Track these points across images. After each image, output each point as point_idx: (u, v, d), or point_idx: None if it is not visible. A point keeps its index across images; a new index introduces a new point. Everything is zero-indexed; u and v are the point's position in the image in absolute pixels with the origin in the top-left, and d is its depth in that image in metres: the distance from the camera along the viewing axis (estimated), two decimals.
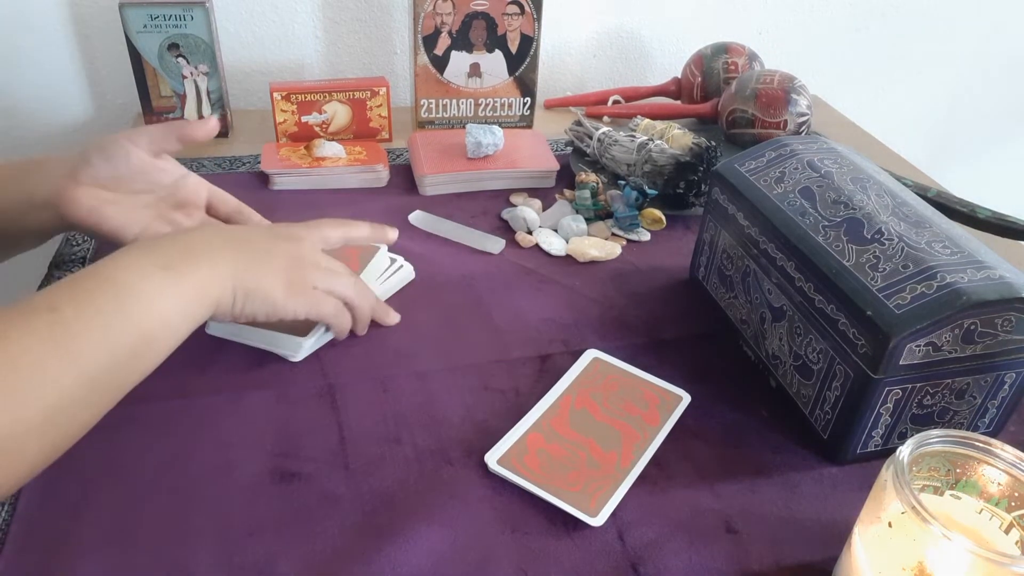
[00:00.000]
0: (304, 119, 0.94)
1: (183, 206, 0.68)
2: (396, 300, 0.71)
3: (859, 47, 1.32)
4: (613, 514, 0.52)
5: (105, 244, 0.66)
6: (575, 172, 0.90)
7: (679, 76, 1.12)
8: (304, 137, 0.94)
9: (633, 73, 1.24)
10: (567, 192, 0.89)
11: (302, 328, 0.63)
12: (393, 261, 0.72)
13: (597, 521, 0.51)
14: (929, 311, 0.50)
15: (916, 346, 0.51)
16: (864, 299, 0.52)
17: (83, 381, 0.43)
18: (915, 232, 0.56)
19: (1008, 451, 0.44)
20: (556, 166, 0.91)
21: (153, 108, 0.95)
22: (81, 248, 0.76)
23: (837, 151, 0.67)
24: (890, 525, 0.42)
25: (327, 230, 0.62)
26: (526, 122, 1.05)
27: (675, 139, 0.89)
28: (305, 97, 0.93)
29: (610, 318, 0.70)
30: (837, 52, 1.32)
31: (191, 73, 0.93)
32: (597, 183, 0.86)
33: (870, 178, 0.63)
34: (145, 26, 0.89)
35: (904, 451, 0.43)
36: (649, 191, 0.84)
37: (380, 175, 0.90)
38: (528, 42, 0.99)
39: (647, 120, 0.96)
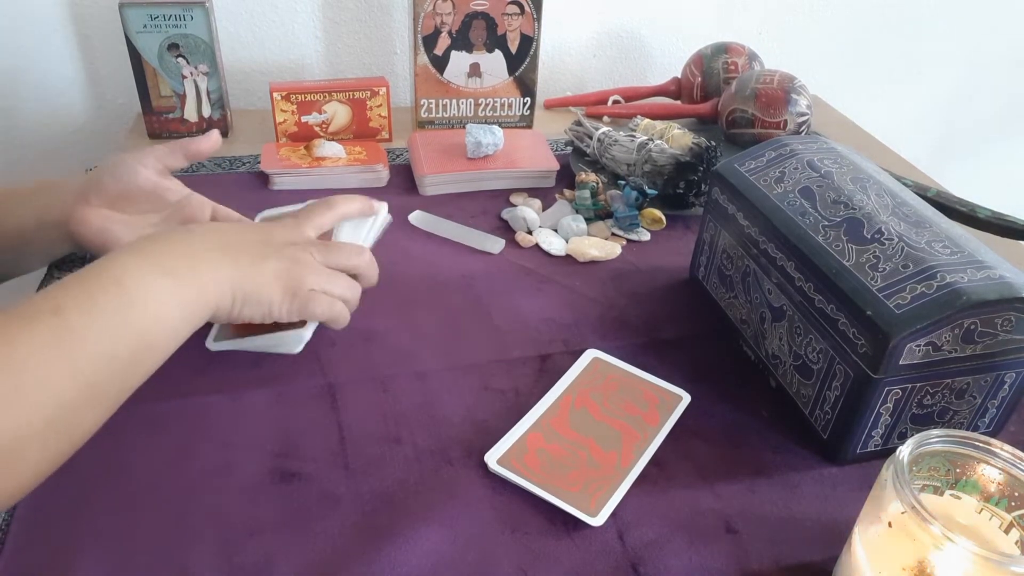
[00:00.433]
0: (304, 119, 0.94)
1: (187, 223, 0.68)
2: (395, 301, 0.71)
3: (859, 47, 1.32)
4: (613, 514, 0.52)
5: None
6: (575, 172, 0.90)
7: (679, 76, 1.12)
8: (304, 137, 0.94)
9: (633, 73, 1.24)
10: (567, 192, 0.89)
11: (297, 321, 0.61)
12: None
13: (597, 521, 0.51)
14: (929, 311, 0.50)
15: (916, 346, 0.51)
16: (864, 299, 0.52)
17: (85, 386, 0.43)
18: (915, 232, 0.56)
19: (1008, 451, 0.44)
20: (556, 166, 0.91)
21: (153, 108, 0.95)
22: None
23: (837, 151, 0.67)
24: (890, 525, 0.42)
25: (318, 218, 0.62)
26: (526, 122, 1.05)
27: (675, 139, 0.89)
28: (305, 97, 0.93)
29: (610, 318, 0.70)
30: (837, 52, 1.32)
31: (191, 73, 0.93)
32: (597, 183, 0.86)
33: (870, 178, 0.63)
34: (145, 26, 0.89)
35: (904, 451, 0.43)
36: (649, 191, 0.84)
37: (380, 175, 0.90)
38: (528, 42, 0.99)
39: (647, 120, 0.96)
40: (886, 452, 0.55)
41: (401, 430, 0.57)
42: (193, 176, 0.89)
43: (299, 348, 0.62)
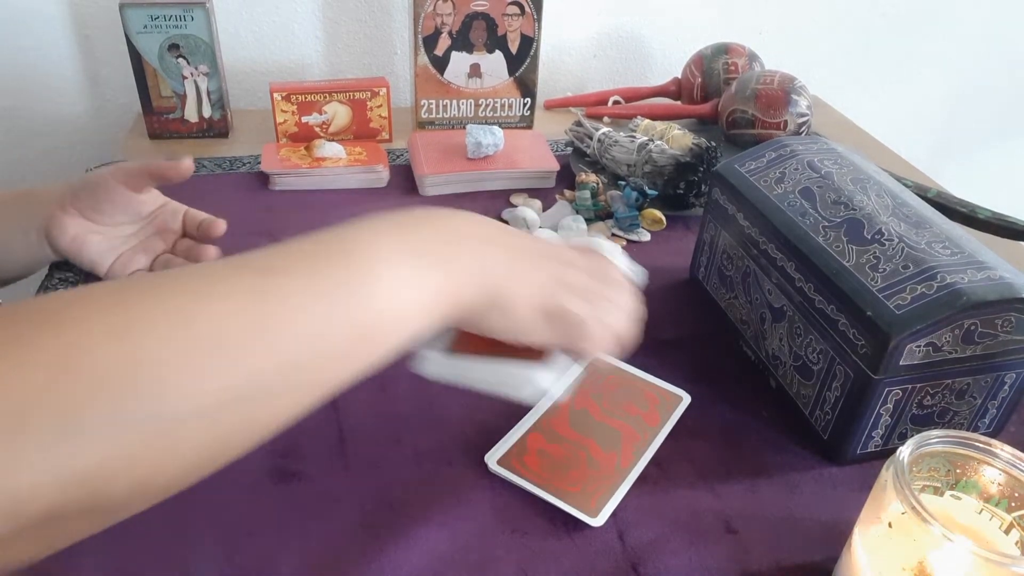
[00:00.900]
0: (304, 119, 0.94)
1: (161, 232, 0.71)
2: None
3: (859, 47, 1.32)
4: (613, 514, 0.52)
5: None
6: (575, 172, 0.90)
7: (679, 76, 1.12)
8: (304, 137, 0.94)
9: (633, 73, 1.24)
10: (567, 192, 0.89)
11: (530, 354, 0.48)
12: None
13: (597, 521, 0.51)
14: (929, 311, 0.50)
15: (916, 346, 0.51)
16: (864, 299, 0.52)
17: (281, 366, 0.35)
18: (915, 232, 0.56)
19: (1008, 451, 0.44)
20: (556, 166, 0.91)
21: (154, 108, 0.95)
22: None
23: (837, 151, 0.67)
24: (890, 525, 0.42)
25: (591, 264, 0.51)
26: (526, 122, 1.05)
27: (675, 140, 0.89)
28: (305, 97, 0.93)
29: None
30: (837, 52, 1.32)
31: (191, 73, 0.93)
32: (597, 183, 0.86)
33: (870, 178, 0.63)
34: (145, 26, 0.89)
35: (904, 451, 0.43)
36: (649, 191, 0.84)
37: (380, 175, 0.90)
38: (528, 43, 0.99)
39: (647, 120, 0.96)
40: (886, 452, 0.55)
41: (401, 430, 0.57)
42: (194, 177, 0.88)
43: (536, 396, 0.48)
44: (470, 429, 0.58)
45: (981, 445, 0.45)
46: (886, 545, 0.42)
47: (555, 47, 1.17)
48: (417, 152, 0.91)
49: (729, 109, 0.98)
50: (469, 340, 0.47)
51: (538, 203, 0.87)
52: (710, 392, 0.63)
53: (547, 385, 0.47)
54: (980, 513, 0.46)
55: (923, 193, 0.86)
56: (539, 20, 0.98)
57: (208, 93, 0.95)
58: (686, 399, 0.61)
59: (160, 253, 0.70)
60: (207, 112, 0.96)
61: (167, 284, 0.34)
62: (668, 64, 1.24)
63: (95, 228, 0.67)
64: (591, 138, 0.92)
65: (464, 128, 0.92)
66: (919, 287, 0.51)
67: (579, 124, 0.96)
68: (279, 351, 0.34)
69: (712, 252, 0.71)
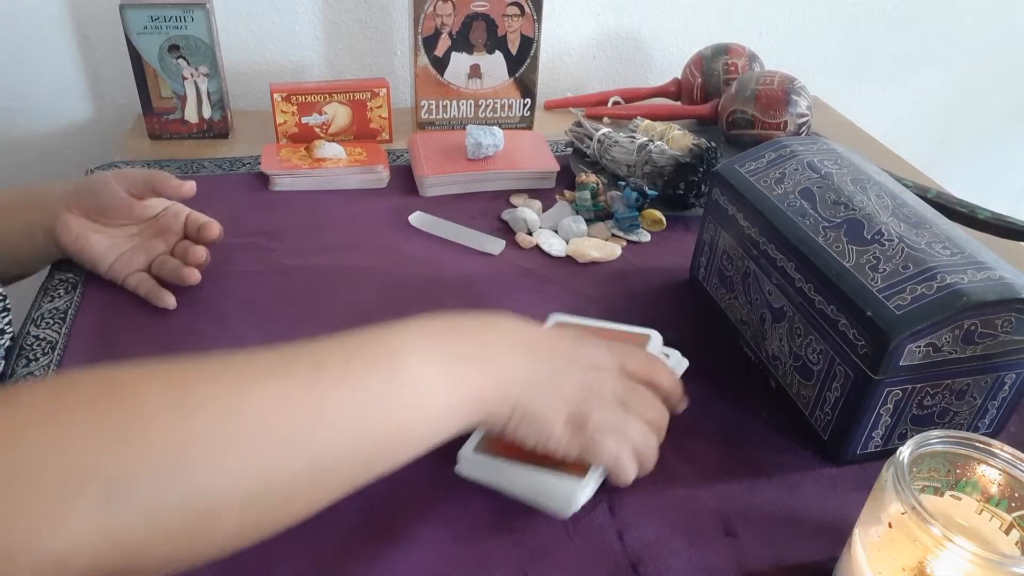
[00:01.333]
0: (304, 120, 0.94)
1: (163, 233, 0.71)
2: (395, 302, 0.71)
3: (859, 47, 1.32)
4: (613, 514, 0.52)
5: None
6: (575, 173, 0.90)
7: (679, 77, 1.12)
8: (304, 138, 0.95)
9: (633, 74, 1.24)
10: (567, 193, 0.89)
11: (568, 465, 0.49)
12: (667, 356, 0.59)
13: (586, 486, 0.48)
14: (929, 312, 0.50)
15: (916, 347, 0.51)
16: (864, 300, 0.52)
17: (313, 463, 0.36)
18: (915, 233, 0.56)
19: (1008, 451, 0.44)
20: (556, 167, 0.91)
21: (154, 109, 0.95)
22: None
23: (837, 152, 0.67)
24: (890, 526, 0.42)
25: (633, 360, 0.52)
26: (526, 123, 1.05)
27: (675, 140, 0.89)
28: (305, 98, 0.93)
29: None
30: (837, 52, 1.32)
31: (191, 74, 0.93)
32: (597, 184, 0.86)
33: (870, 179, 0.63)
34: (145, 27, 0.89)
35: (904, 452, 0.43)
36: (649, 192, 0.84)
37: (380, 176, 0.90)
38: (528, 43, 0.99)
39: (647, 121, 0.96)
40: (886, 453, 0.55)
41: None
42: (194, 177, 0.88)
43: (568, 511, 0.49)
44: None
45: (981, 445, 0.45)
46: (886, 545, 0.42)
47: (555, 47, 1.17)
48: (417, 153, 0.91)
49: (729, 110, 0.98)
50: (505, 442, 0.48)
51: (538, 203, 0.87)
52: (710, 392, 0.63)
53: (582, 500, 0.48)
54: (980, 513, 0.46)
55: (923, 193, 0.86)
56: (539, 21, 0.98)
57: (208, 94, 0.95)
58: (655, 337, 0.59)
59: (159, 254, 0.70)
60: (207, 113, 0.96)
61: (223, 368, 0.36)
62: (668, 64, 1.24)
63: (97, 228, 0.68)
64: (591, 138, 0.92)
65: (464, 129, 0.92)
66: (919, 287, 0.51)
67: (579, 124, 0.96)
68: (318, 442, 0.37)
69: (712, 252, 0.71)
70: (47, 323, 0.65)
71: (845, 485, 0.56)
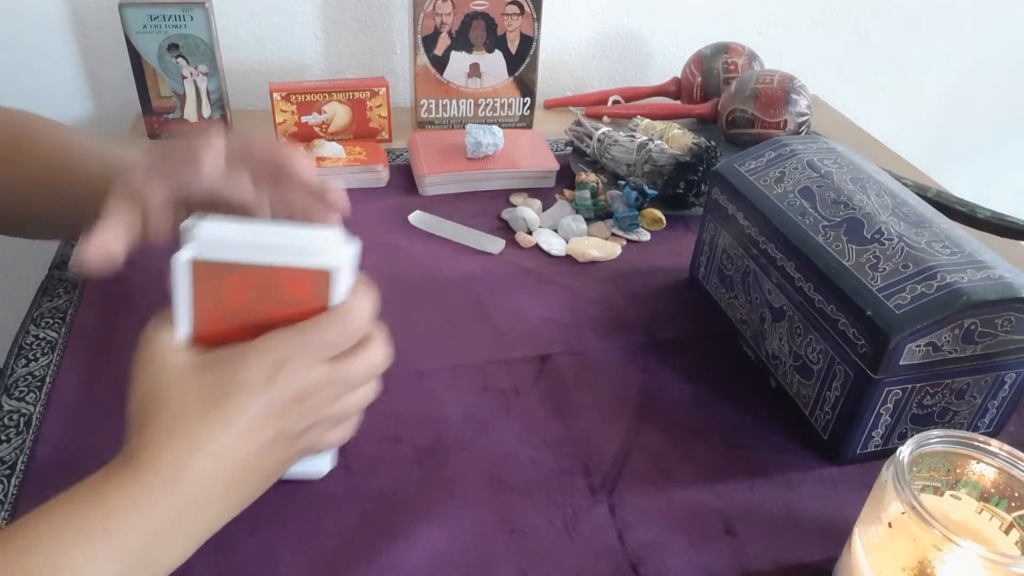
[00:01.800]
0: (304, 119, 0.94)
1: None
2: (395, 301, 0.71)
3: (859, 47, 1.32)
4: (613, 514, 0.52)
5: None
6: (575, 172, 0.90)
7: (679, 76, 1.12)
8: (304, 137, 0.94)
9: (633, 73, 1.24)
10: (567, 192, 0.89)
11: None
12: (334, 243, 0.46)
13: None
14: (929, 311, 0.50)
15: (916, 346, 0.51)
16: (864, 299, 0.52)
17: None
18: (915, 232, 0.56)
19: (1008, 451, 0.44)
20: (556, 166, 0.91)
21: (153, 108, 0.95)
22: None
23: (837, 151, 0.67)
24: (890, 525, 0.42)
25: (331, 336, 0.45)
26: (526, 122, 1.05)
27: (675, 139, 0.89)
28: (305, 97, 0.93)
29: (610, 318, 0.70)
30: (837, 52, 1.32)
31: (191, 73, 0.93)
32: (597, 183, 0.86)
33: (870, 178, 0.63)
34: (145, 26, 0.89)
35: (904, 451, 0.43)
36: (649, 191, 0.84)
37: (380, 175, 0.90)
38: (528, 42, 0.99)
39: (647, 120, 0.96)
40: (886, 452, 0.55)
41: (401, 430, 0.57)
42: None
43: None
44: (470, 429, 0.58)
45: (981, 445, 0.45)
46: (886, 545, 0.42)
47: (555, 47, 1.17)
48: (417, 152, 0.91)
49: (729, 109, 0.98)
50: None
51: (538, 203, 0.87)
52: (710, 392, 0.63)
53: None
54: (980, 513, 0.46)
55: (923, 193, 0.86)
56: (539, 20, 0.98)
57: (208, 93, 0.95)
58: (335, 268, 0.44)
59: None
60: (207, 112, 0.96)
61: None
62: (668, 64, 1.24)
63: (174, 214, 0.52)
64: (591, 138, 0.92)
65: (464, 128, 0.92)
66: (919, 287, 0.51)
67: (579, 124, 0.96)
68: None
69: (712, 252, 0.71)
70: (47, 322, 0.65)
71: (845, 485, 0.56)
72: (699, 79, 1.07)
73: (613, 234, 0.83)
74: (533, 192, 0.90)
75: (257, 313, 0.44)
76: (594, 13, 1.17)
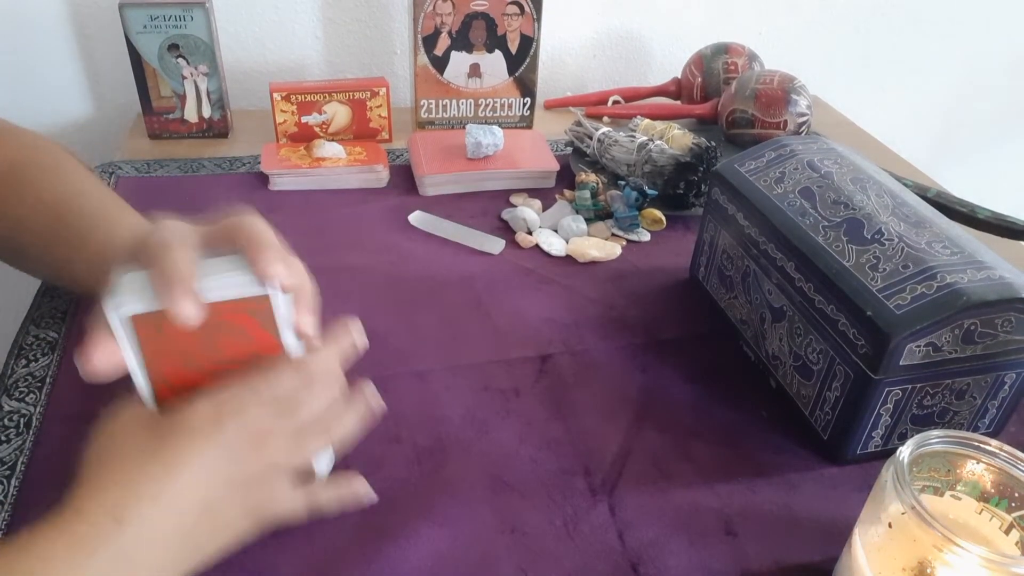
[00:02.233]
0: (304, 119, 0.94)
1: None
2: (395, 301, 0.71)
3: (859, 47, 1.32)
4: (613, 514, 0.52)
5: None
6: (575, 172, 0.90)
7: (679, 76, 1.12)
8: (304, 137, 0.94)
9: (633, 73, 1.24)
10: (567, 192, 0.89)
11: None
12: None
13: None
14: (929, 311, 0.50)
15: (916, 346, 0.51)
16: (864, 299, 0.52)
17: None
18: (915, 232, 0.56)
19: (1008, 451, 0.44)
20: (556, 166, 0.91)
21: (153, 108, 0.95)
22: None
23: (837, 151, 0.67)
24: (890, 526, 0.42)
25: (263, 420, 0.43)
26: (526, 122, 1.05)
27: (675, 139, 0.89)
28: (305, 97, 0.93)
29: (610, 318, 0.70)
30: (837, 52, 1.32)
31: (191, 73, 0.93)
32: (597, 183, 0.86)
33: (870, 178, 0.63)
34: (145, 26, 0.89)
35: (904, 452, 0.43)
36: (649, 191, 0.84)
37: (380, 175, 0.90)
38: (528, 42, 0.99)
39: (647, 120, 0.96)
40: (886, 453, 0.55)
41: (401, 430, 0.57)
42: (194, 176, 0.89)
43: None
44: (470, 429, 0.58)
45: (981, 445, 0.45)
46: (886, 545, 0.42)
47: (555, 47, 1.17)
48: (417, 152, 0.91)
49: (729, 109, 0.98)
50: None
51: (538, 203, 0.87)
52: (710, 392, 0.63)
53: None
54: (980, 513, 0.46)
55: (923, 193, 0.86)
56: (539, 20, 0.98)
57: (208, 93, 0.95)
58: (275, 295, 0.43)
59: None
60: (207, 112, 0.96)
61: None
62: (668, 64, 1.24)
63: None
64: (591, 138, 0.92)
65: (464, 128, 0.92)
66: (919, 287, 0.51)
67: (579, 124, 0.96)
68: None
69: (712, 252, 0.71)
70: (47, 323, 0.65)
71: (845, 485, 0.56)
72: (699, 79, 1.07)
73: (613, 234, 0.83)
74: (533, 192, 0.90)
75: (213, 351, 0.43)
76: (594, 13, 1.17)
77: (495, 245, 0.79)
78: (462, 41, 0.97)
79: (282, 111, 0.93)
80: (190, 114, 0.95)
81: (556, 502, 0.53)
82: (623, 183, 0.85)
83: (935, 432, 0.45)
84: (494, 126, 0.91)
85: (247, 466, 0.42)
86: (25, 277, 0.70)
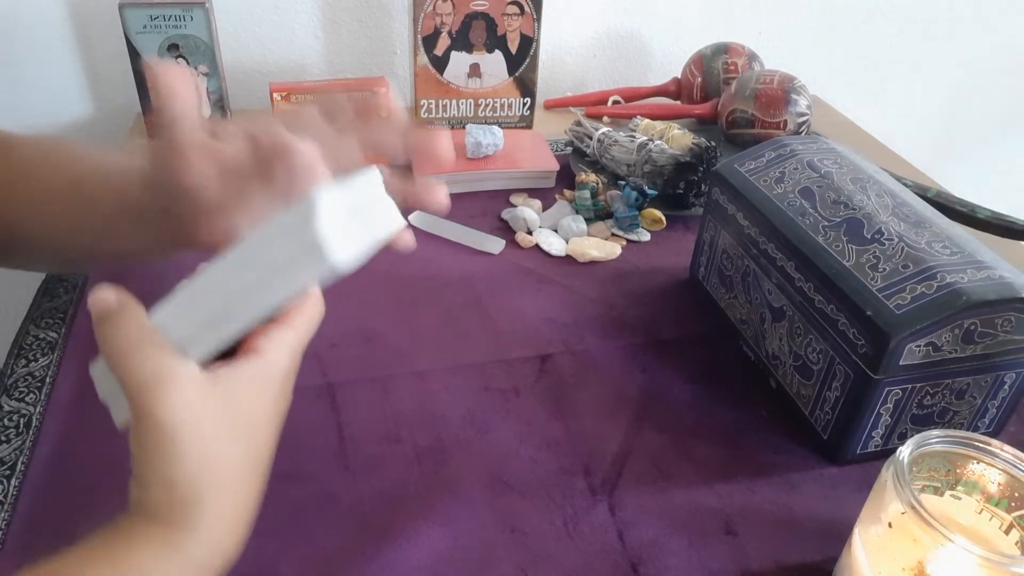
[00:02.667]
0: None
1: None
2: (395, 301, 0.71)
3: (859, 47, 1.32)
4: (613, 514, 0.52)
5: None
6: (575, 172, 0.90)
7: (679, 76, 1.12)
8: None
9: (633, 73, 1.24)
10: (567, 192, 0.89)
11: None
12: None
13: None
14: (929, 311, 0.50)
15: (916, 346, 0.51)
16: (864, 299, 0.52)
17: None
18: (915, 232, 0.56)
19: (1008, 451, 0.44)
20: (556, 166, 0.91)
21: (153, 108, 0.94)
22: None
23: (837, 151, 0.67)
24: (890, 526, 0.42)
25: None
26: (526, 122, 1.05)
27: (675, 139, 0.89)
28: (305, 97, 0.93)
29: (610, 318, 0.70)
30: (837, 52, 1.32)
31: (191, 73, 0.93)
32: (597, 183, 0.86)
33: (870, 178, 0.63)
34: (145, 26, 0.89)
35: (904, 451, 0.43)
36: (649, 191, 0.84)
37: None
38: (528, 42, 0.99)
39: (647, 120, 0.96)
40: (886, 452, 0.55)
41: (401, 430, 0.57)
42: None
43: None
44: (470, 429, 0.58)
45: (981, 445, 0.45)
46: (886, 545, 0.42)
47: (555, 47, 1.17)
48: None
49: (729, 109, 0.98)
50: None
51: (538, 203, 0.87)
52: (710, 392, 0.63)
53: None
54: (980, 513, 0.46)
55: (923, 193, 0.86)
56: (539, 20, 0.98)
57: (208, 93, 0.94)
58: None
59: None
60: (207, 112, 0.96)
61: None
62: (668, 64, 1.24)
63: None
64: (591, 138, 0.92)
65: (464, 128, 0.92)
66: (919, 287, 0.51)
67: (579, 124, 0.96)
68: None
69: (712, 252, 0.71)
70: (47, 323, 0.65)
71: (845, 485, 0.56)
72: (699, 79, 1.07)
73: (613, 234, 0.83)
74: (533, 192, 0.90)
75: None
76: (594, 13, 1.17)
77: (495, 245, 0.79)
78: (462, 41, 0.97)
79: (282, 111, 0.93)
80: None
81: (556, 502, 0.53)
82: (623, 183, 0.85)
83: (935, 432, 0.45)
84: (494, 126, 0.91)
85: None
86: (24, 277, 0.70)
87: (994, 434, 0.59)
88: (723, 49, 1.07)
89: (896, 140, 1.15)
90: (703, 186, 0.83)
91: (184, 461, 0.35)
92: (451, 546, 0.49)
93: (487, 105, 1.03)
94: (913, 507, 0.40)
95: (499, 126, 0.93)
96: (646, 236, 0.83)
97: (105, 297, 0.37)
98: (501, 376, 0.63)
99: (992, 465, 0.45)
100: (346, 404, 0.59)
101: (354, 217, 0.37)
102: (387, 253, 0.82)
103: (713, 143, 0.84)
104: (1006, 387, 0.56)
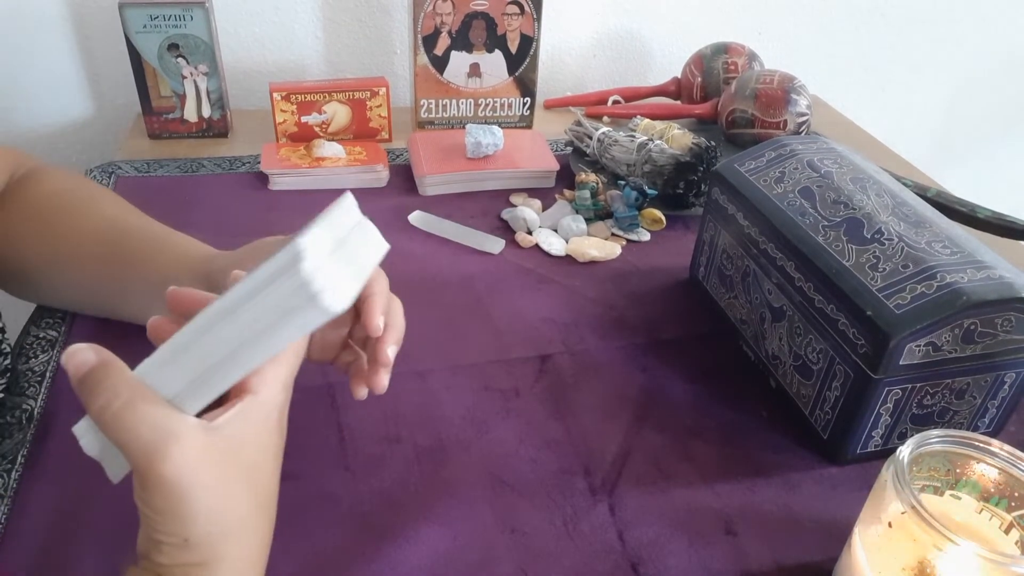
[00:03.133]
0: (304, 119, 0.94)
1: None
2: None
3: (859, 47, 1.32)
4: (613, 514, 0.52)
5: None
6: (575, 172, 0.90)
7: (679, 76, 1.12)
8: (304, 137, 0.94)
9: (633, 73, 1.24)
10: (567, 192, 0.89)
11: None
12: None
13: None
14: (929, 311, 0.50)
15: (916, 346, 0.51)
16: (864, 299, 0.52)
17: None
18: (915, 232, 0.56)
19: (1008, 451, 0.44)
20: (556, 166, 0.91)
21: (153, 108, 0.94)
22: None
23: (837, 151, 0.67)
24: (890, 525, 0.42)
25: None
26: (526, 122, 1.05)
27: (675, 139, 0.89)
28: (305, 97, 0.93)
29: (610, 318, 0.70)
30: (837, 52, 1.32)
31: (191, 73, 0.93)
32: (597, 183, 0.86)
33: (870, 178, 0.63)
34: (145, 26, 0.89)
35: (904, 451, 0.43)
36: (649, 191, 0.84)
37: (380, 175, 0.90)
38: (528, 42, 0.99)
39: (647, 120, 0.96)
40: (886, 452, 0.55)
41: (401, 430, 0.57)
42: (193, 176, 0.89)
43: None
44: (470, 429, 0.58)
45: (981, 445, 0.45)
46: (886, 545, 0.42)
47: (555, 47, 1.17)
48: (417, 152, 0.91)
49: (729, 109, 0.98)
50: None
51: (538, 203, 0.87)
52: (710, 392, 0.63)
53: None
54: (980, 513, 0.46)
55: (923, 193, 0.86)
56: (539, 20, 0.98)
57: (208, 93, 0.94)
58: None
59: None
60: (207, 112, 0.96)
61: None
62: (668, 64, 1.24)
63: None
64: (591, 138, 0.92)
65: (464, 128, 0.92)
66: (919, 287, 0.51)
67: (579, 124, 0.96)
68: None
69: (712, 252, 0.71)
70: (47, 322, 0.65)
71: (845, 485, 0.56)
72: (699, 79, 1.07)
73: (613, 234, 0.83)
74: (533, 192, 0.90)
75: None
76: (594, 13, 1.17)
77: (495, 245, 0.79)
78: (462, 41, 0.97)
79: (282, 111, 0.93)
80: (190, 114, 0.95)
81: (556, 502, 0.53)
82: (623, 183, 0.85)
83: (935, 432, 0.45)
84: (494, 126, 0.91)
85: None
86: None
87: (994, 434, 0.59)
88: (723, 49, 1.07)
89: (896, 140, 1.15)
90: (703, 186, 0.83)
91: (198, 519, 0.35)
92: (451, 546, 0.49)
93: (487, 105, 1.03)
94: (913, 507, 0.40)
95: (499, 126, 0.93)
96: (646, 236, 0.83)
97: (84, 359, 0.35)
98: (501, 376, 0.63)
99: (992, 465, 0.45)
100: (346, 404, 0.59)
101: (341, 254, 0.36)
102: (388, 253, 0.82)
103: (713, 143, 0.84)
104: (1006, 387, 0.56)
